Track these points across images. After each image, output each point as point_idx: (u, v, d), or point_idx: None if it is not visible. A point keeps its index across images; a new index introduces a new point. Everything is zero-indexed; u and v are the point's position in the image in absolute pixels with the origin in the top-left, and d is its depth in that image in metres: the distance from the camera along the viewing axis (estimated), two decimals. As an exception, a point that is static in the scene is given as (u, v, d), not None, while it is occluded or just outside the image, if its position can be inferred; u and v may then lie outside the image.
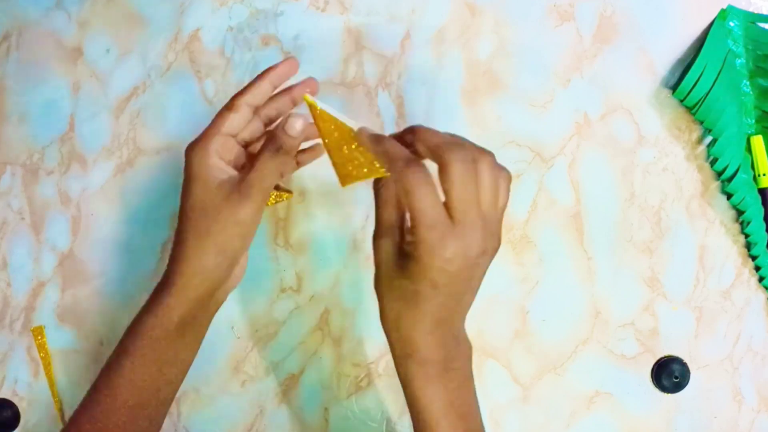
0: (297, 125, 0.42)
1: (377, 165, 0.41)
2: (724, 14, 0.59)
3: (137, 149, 0.59)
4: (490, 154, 0.39)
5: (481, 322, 0.58)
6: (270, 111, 0.48)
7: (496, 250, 0.41)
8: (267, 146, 0.43)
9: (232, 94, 0.59)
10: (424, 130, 0.40)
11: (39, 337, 0.58)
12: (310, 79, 0.47)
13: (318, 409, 0.58)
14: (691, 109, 0.58)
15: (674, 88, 0.58)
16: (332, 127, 0.42)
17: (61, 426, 0.58)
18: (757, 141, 0.58)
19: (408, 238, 0.41)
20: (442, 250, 0.37)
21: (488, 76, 0.60)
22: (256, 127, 0.47)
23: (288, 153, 0.43)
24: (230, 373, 0.58)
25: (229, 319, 0.58)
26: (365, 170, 0.42)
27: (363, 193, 0.59)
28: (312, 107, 0.42)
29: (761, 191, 0.58)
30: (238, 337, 0.58)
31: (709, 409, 0.59)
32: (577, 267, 0.59)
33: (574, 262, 0.59)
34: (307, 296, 0.58)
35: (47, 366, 0.58)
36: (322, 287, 0.58)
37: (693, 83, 0.56)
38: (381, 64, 0.59)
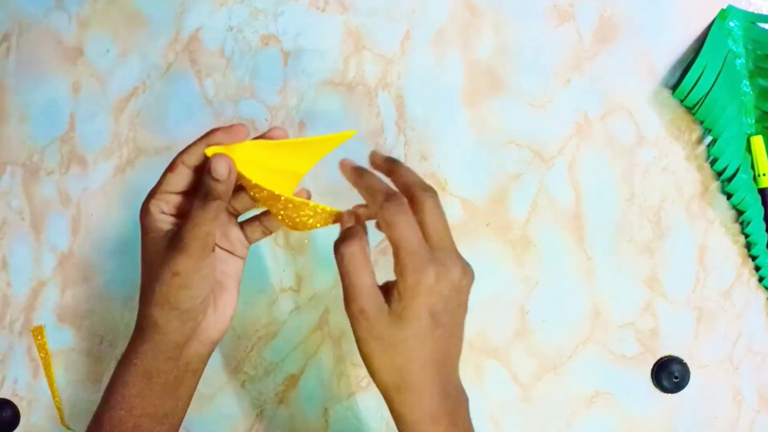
0: (220, 168, 0.40)
1: (310, 215, 0.43)
2: (724, 14, 0.59)
3: (137, 149, 0.59)
4: (430, 188, 0.43)
5: (481, 322, 0.58)
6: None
7: (472, 274, 0.42)
8: (197, 195, 0.41)
9: (232, 94, 0.59)
10: (399, 166, 0.43)
11: (39, 337, 0.58)
12: (236, 126, 0.43)
13: (318, 409, 0.58)
14: (691, 109, 0.58)
15: (674, 88, 0.58)
16: (253, 182, 0.41)
17: (61, 426, 0.58)
18: (757, 141, 0.58)
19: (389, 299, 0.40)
20: (427, 276, 0.39)
21: (488, 76, 0.60)
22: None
23: (218, 198, 0.40)
24: (230, 373, 0.58)
25: (229, 319, 0.58)
26: (310, 221, 0.43)
27: (363, 193, 0.59)
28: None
29: (761, 191, 0.58)
30: (238, 337, 0.58)
31: (709, 409, 0.59)
32: (577, 267, 0.59)
33: (574, 262, 0.59)
34: (307, 296, 0.58)
35: (47, 366, 0.58)
36: (322, 287, 0.58)
37: (693, 83, 0.56)
38: (381, 64, 0.59)
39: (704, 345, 0.59)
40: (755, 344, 0.59)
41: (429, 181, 0.58)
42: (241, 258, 0.48)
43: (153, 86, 0.60)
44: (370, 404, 0.58)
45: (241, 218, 0.48)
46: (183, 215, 0.43)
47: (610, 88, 0.59)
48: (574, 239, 0.59)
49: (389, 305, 0.40)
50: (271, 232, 0.49)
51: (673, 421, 0.59)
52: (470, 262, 0.60)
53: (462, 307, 0.42)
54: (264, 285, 0.58)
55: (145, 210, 0.43)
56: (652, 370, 0.59)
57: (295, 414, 0.58)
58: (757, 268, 0.59)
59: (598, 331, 0.59)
